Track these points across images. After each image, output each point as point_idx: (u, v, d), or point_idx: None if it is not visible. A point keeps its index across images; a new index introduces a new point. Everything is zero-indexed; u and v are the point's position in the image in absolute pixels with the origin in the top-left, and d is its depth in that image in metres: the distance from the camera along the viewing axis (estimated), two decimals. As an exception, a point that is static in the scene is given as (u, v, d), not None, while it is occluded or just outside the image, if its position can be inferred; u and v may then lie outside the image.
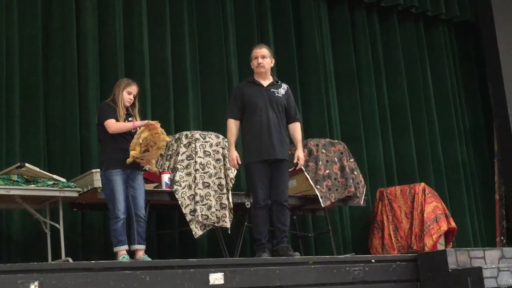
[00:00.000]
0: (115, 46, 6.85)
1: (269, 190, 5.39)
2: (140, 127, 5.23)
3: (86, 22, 6.74)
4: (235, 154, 5.41)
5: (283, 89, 5.53)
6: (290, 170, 6.65)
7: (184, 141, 5.98)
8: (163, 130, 5.25)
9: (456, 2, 9.36)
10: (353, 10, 8.73)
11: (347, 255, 6.65)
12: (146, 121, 5.27)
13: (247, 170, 5.52)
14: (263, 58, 5.46)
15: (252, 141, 5.37)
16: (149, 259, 5.16)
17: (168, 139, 5.39)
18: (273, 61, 5.59)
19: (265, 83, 5.49)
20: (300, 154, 5.54)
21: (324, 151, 6.70)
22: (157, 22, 7.23)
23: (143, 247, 5.21)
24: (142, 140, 5.12)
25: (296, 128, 5.59)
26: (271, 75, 5.58)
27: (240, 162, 5.45)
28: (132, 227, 5.18)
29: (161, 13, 7.26)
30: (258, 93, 5.41)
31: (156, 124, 5.17)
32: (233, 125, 5.43)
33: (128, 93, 5.34)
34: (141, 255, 5.20)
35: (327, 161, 6.67)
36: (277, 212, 5.40)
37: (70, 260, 5.22)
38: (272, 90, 5.46)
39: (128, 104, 5.36)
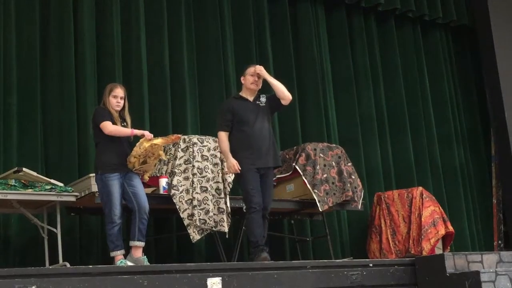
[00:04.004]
0: (112, 51, 6.86)
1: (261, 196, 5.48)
2: (137, 135, 5.26)
3: (84, 27, 6.75)
4: (234, 160, 5.51)
5: (263, 98, 5.73)
6: (287, 174, 6.71)
7: (182, 145, 5.98)
8: (166, 139, 5.29)
9: (453, 6, 9.39)
10: (350, 14, 8.76)
11: (345, 259, 6.65)
12: (144, 131, 5.29)
13: (241, 177, 5.54)
14: (260, 78, 5.68)
15: (244, 151, 5.51)
16: (148, 262, 5.15)
17: (164, 157, 5.47)
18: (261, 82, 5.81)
19: (251, 98, 5.71)
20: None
21: (321, 155, 6.71)
22: (155, 26, 7.23)
23: (142, 244, 5.19)
24: (142, 152, 5.15)
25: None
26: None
27: (240, 168, 5.51)
28: (134, 223, 5.16)
29: (159, 18, 7.27)
30: (247, 107, 5.63)
31: (157, 139, 5.23)
32: (224, 136, 5.61)
33: (114, 97, 5.34)
34: (139, 254, 5.16)
35: (324, 165, 6.68)
36: None
37: (68, 264, 5.20)
38: (257, 102, 5.69)
39: (117, 108, 5.35)
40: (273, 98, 5.70)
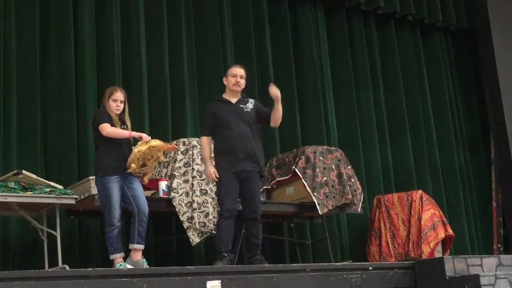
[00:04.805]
0: (112, 53, 6.86)
1: (237, 202, 5.46)
2: (135, 138, 5.26)
3: (84, 29, 6.75)
4: (212, 169, 5.50)
5: (251, 104, 5.65)
6: (287, 177, 6.70)
7: (182, 148, 5.98)
8: (163, 143, 5.28)
9: (453, 10, 9.40)
10: (350, 17, 8.76)
11: (344, 263, 6.65)
12: (141, 134, 5.30)
13: (217, 182, 5.52)
14: (241, 78, 5.62)
15: (224, 155, 5.47)
16: (147, 265, 5.15)
17: (163, 158, 5.44)
18: (245, 83, 5.70)
19: (234, 100, 5.63)
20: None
21: (321, 158, 6.70)
22: (155, 29, 7.24)
23: (142, 247, 5.18)
24: (140, 155, 5.15)
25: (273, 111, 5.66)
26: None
27: (218, 176, 5.52)
28: (133, 226, 5.15)
29: (159, 21, 7.27)
30: (228, 110, 5.56)
31: (155, 141, 5.23)
32: (206, 142, 5.57)
33: (113, 101, 5.34)
34: (139, 257, 5.16)
35: (324, 168, 6.67)
36: (250, 226, 5.52)
37: (67, 267, 5.20)
38: (240, 106, 5.61)
39: (117, 112, 5.35)
40: (263, 112, 5.61)
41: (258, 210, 5.53)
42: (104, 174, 5.17)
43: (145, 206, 5.21)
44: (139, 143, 5.22)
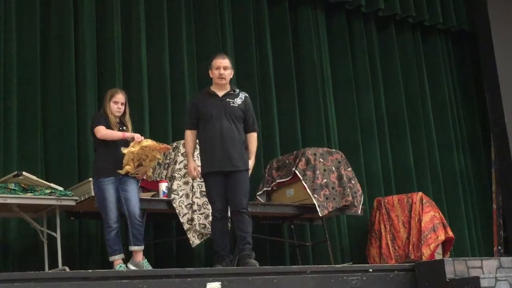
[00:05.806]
0: (112, 53, 6.86)
1: (227, 201, 5.31)
2: (130, 139, 5.26)
3: (84, 31, 6.74)
4: (193, 164, 5.39)
5: (240, 99, 5.42)
6: (287, 179, 6.70)
7: (182, 150, 5.98)
8: (155, 143, 5.26)
9: (453, 11, 9.40)
10: (350, 19, 8.75)
11: (344, 264, 6.64)
12: (134, 134, 5.29)
13: (204, 181, 5.45)
14: (225, 69, 5.39)
15: (206, 152, 5.33)
16: (149, 265, 5.15)
17: (160, 157, 5.41)
18: (233, 72, 5.53)
19: (221, 93, 5.41)
20: (251, 163, 5.45)
21: (321, 160, 6.70)
22: (156, 31, 7.23)
23: (139, 248, 5.18)
24: (134, 156, 5.15)
25: (251, 139, 5.48)
26: (229, 84, 5.50)
27: (199, 172, 5.42)
28: (128, 228, 5.17)
29: (159, 23, 7.27)
30: (213, 103, 5.34)
31: (147, 141, 5.21)
32: (189, 136, 5.42)
33: (114, 103, 5.34)
34: (139, 258, 5.17)
35: (324, 170, 6.67)
36: (236, 220, 5.32)
37: (67, 269, 5.20)
38: (227, 100, 5.36)
39: (118, 114, 5.36)
40: (245, 120, 5.40)
41: (242, 203, 5.24)
42: (99, 176, 5.20)
43: (135, 208, 5.18)
44: (131, 144, 5.22)
